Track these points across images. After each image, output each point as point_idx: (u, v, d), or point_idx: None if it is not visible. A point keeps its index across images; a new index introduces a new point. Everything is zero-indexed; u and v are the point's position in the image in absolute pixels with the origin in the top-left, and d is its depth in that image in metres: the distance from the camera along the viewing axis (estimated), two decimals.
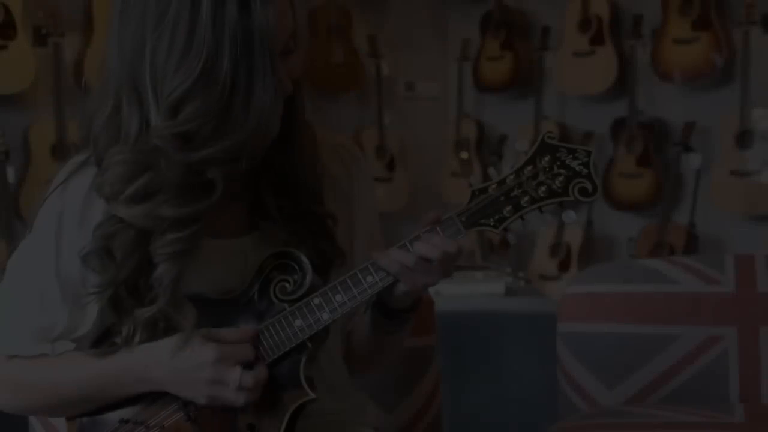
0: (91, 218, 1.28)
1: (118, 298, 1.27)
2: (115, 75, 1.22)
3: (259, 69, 1.15)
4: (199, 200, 1.22)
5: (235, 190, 1.35)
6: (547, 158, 1.23)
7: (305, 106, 1.34)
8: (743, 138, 4.11)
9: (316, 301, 1.27)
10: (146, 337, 1.27)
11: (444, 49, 5.49)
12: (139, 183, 1.21)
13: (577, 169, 1.23)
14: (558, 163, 1.23)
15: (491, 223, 1.25)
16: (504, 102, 5.20)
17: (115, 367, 1.29)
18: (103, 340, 1.33)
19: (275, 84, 1.17)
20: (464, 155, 4.62)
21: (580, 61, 4.63)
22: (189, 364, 1.24)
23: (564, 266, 4.66)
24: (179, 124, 1.17)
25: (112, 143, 1.24)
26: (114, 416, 1.33)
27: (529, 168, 1.24)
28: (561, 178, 1.23)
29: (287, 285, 1.30)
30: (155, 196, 1.22)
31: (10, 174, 3.93)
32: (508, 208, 1.24)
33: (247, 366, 1.25)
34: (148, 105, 1.19)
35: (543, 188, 1.23)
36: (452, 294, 2.92)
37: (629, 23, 4.51)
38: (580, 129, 4.79)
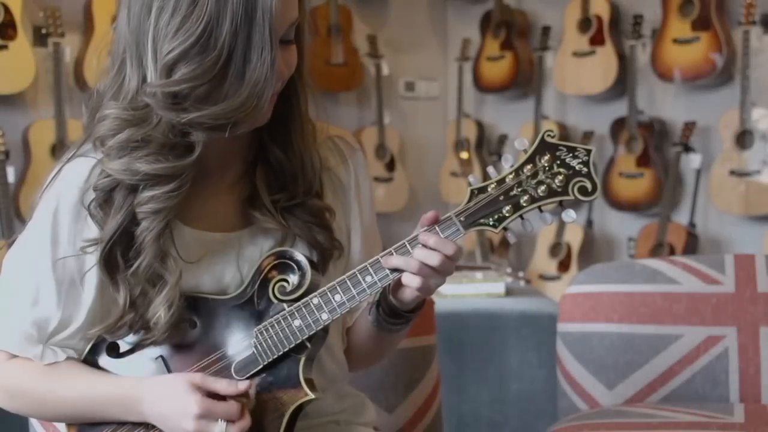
0: (89, 191, 1.29)
1: (112, 254, 1.28)
2: (123, 37, 1.24)
3: (258, 42, 1.17)
4: (177, 159, 1.24)
5: (232, 181, 1.35)
6: (546, 157, 1.23)
7: (306, 102, 1.34)
8: (743, 138, 4.11)
9: (315, 301, 1.27)
10: (142, 304, 1.28)
11: (444, 49, 5.50)
12: (122, 137, 1.24)
13: (577, 168, 1.22)
14: (558, 161, 1.23)
15: (490, 223, 1.24)
16: (504, 102, 5.20)
17: (108, 396, 1.30)
18: (99, 347, 1.34)
19: (272, 60, 1.18)
20: (464, 155, 4.62)
21: (580, 61, 4.63)
22: (174, 411, 1.25)
23: (564, 266, 4.66)
24: (172, 83, 1.18)
25: (113, 98, 1.27)
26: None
27: (529, 167, 1.23)
28: (561, 177, 1.22)
29: (286, 284, 1.30)
30: (135, 151, 1.24)
31: (10, 174, 3.93)
32: (508, 207, 1.23)
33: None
34: (147, 64, 1.21)
35: (543, 187, 1.23)
36: (452, 294, 2.91)
37: (629, 23, 4.51)
38: (580, 129, 4.80)
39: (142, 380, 1.30)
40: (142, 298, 1.29)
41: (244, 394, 1.26)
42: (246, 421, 1.25)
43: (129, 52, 1.23)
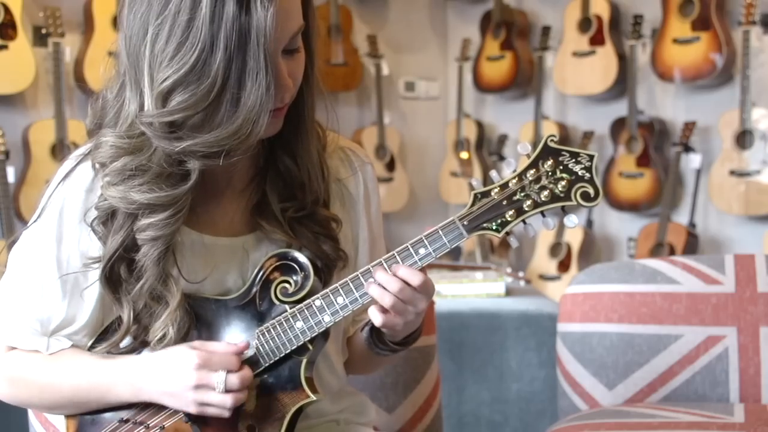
0: (92, 209, 1.30)
1: (113, 272, 1.28)
2: (122, 56, 1.23)
3: (253, 68, 1.15)
4: (171, 187, 1.24)
5: (240, 187, 1.36)
6: (549, 162, 1.23)
7: (313, 108, 1.34)
8: (743, 138, 4.11)
9: (318, 303, 1.27)
10: (146, 317, 1.29)
11: (444, 49, 5.50)
12: (117, 165, 1.24)
13: (580, 173, 1.22)
14: (561, 167, 1.23)
15: (494, 228, 1.24)
16: (504, 102, 5.20)
17: (108, 376, 1.30)
18: (103, 339, 1.34)
19: (267, 85, 1.16)
20: (464, 155, 4.62)
21: (580, 61, 4.63)
22: (174, 371, 1.26)
23: (564, 266, 4.67)
24: (167, 113, 1.17)
25: (113, 122, 1.27)
26: (114, 415, 1.33)
27: (532, 172, 1.23)
28: (564, 183, 1.22)
29: (288, 286, 1.30)
30: (131, 179, 1.24)
31: (10, 174, 3.94)
32: (511, 212, 1.24)
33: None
34: (144, 89, 1.20)
35: (545, 192, 1.23)
36: (452, 294, 2.92)
37: (629, 23, 4.51)
38: (580, 129, 4.80)
39: (142, 356, 1.31)
40: (146, 311, 1.30)
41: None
42: (247, 371, 1.26)
43: (128, 75, 1.22)
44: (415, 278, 1.24)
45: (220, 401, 1.24)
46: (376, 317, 1.26)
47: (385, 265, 1.26)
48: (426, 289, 1.26)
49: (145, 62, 1.17)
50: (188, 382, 1.24)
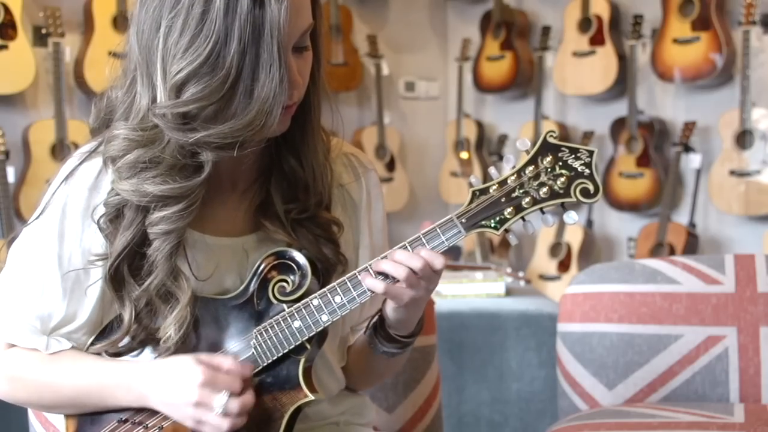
0: (95, 207, 1.30)
1: (119, 270, 1.28)
2: (133, 54, 1.24)
3: (266, 60, 1.16)
4: (185, 179, 1.24)
5: (244, 187, 1.35)
6: (549, 158, 1.22)
7: (319, 110, 1.34)
8: (743, 138, 4.11)
9: (315, 302, 1.27)
10: (147, 317, 1.29)
11: (444, 49, 5.50)
12: (130, 158, 1.24)
13: (580, 169, 1.22)
14: (560, 163, 1.22)
15: (492, 225, 1.24)
16: (504, 102, 5.20)
17: (109, 380, 1.30)
18: (103, 337, 1.34)
19: (281, 77, 1.17)
20: (464, 155, 4.62)
21: (580, 61, 4.63)
22: (177, 383, 1.25)
23: (564, 266, 4.67)
24: (181, 104, 1.18)
25: (124, 117, 1.27)
26: (113, 415, 1.33)
27: (531, 168, 1.23)
28: (563, 179, 1.22)
29: (286, 285, 1.30)
30: (144, 172, 1.24)
31: (10, 174, 3.94)
32: (509, 209, 1.23)
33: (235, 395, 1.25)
34: (156, 83, 1.20)
35: (545, 189, 1.22)
36: (452, 294, 2.92)
37: (629, 23, 4.51)
38: (580, 129, 4.80)
39: (145, 362, 1.30)
40: (147, 310, 1.29)
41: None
42: (249, 397, 1.25)
43: (139, 70, 1.22)
44: (437, 261, 1.24)
45: (216, 423, 1.24)
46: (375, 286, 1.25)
47: (373, 265, 1.26)
48: (441, 271, 1.26)
49: (158, 55, 1.18)
50: (190, 398, 1.24)
